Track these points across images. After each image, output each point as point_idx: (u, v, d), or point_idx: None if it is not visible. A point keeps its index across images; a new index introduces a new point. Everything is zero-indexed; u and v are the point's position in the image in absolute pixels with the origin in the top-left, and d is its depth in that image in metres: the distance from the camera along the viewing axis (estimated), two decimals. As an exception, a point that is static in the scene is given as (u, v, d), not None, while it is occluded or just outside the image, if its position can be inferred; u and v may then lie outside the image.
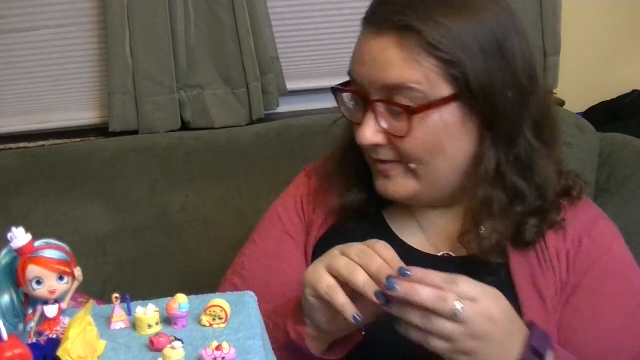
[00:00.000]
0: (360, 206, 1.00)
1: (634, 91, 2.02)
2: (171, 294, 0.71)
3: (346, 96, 0.95)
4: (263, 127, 1.65)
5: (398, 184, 0.93)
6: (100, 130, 1.88)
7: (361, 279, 0.79)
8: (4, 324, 0.57)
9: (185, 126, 1.83)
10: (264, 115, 1.85)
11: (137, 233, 1.50)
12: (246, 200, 1.50)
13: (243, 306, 0.74)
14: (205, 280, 1.41)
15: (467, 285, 0.77)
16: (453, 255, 0.96)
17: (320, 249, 1.01)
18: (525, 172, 0.91)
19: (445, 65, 0.85)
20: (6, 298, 0.65)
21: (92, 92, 1.89)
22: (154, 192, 1.52)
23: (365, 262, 0.79)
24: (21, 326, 0.65)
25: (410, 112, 0.86)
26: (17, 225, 0.63)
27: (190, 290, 0.80)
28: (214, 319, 0.70)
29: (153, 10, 1.72)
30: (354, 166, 1.00)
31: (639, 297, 0.93)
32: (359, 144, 0.91)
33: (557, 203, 0.94)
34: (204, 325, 0.70)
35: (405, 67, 0.86)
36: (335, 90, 0.96)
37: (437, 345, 0.77)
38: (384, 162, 0.92)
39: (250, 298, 0.77)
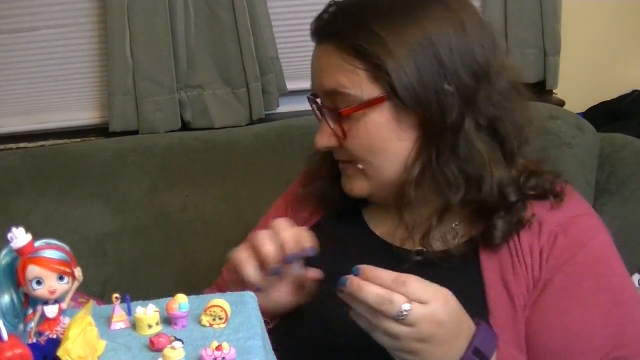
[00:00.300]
0: (337, 203, 1.05)
1: (634, 91, 2.02)
2: (171, 294, 0.71)
3: (313, 105, 1.01)
4: (263, 127, 1.65)
5: (353, 183, 0.98)
6: (100, 130, 1.88)
7: (266, 249, 0.88)
8: (4, 324, 0.57)
9: (185, 126, 1.83)
10: (264, 115, 1.85)
11: (137, 233, 1.50)
12: (246, 200, 1.50)
13: (243, 306, 0.74)
14: (205, 280, 1.40)
15: (416, 286, 0.77)
16: (425, 250, 0.95)
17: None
18: (466, 168, 0.91)
19: (372, 68, 0.89)
20: (6, 298, 0.65)
21: (92, 92, 1.89)
22: (154, 192, 1.52)
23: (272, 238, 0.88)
24: (21, 326, 0.65)
25: (339, 114, 0.92)
26: (17, 225, 0.63)
27: (190, 290, 0.80)
28: (214, 319, 0.70)
29: (153, 10, 1.72)
30: (330, 167, 1.04)
31: (613, 295, 0.91)
32: (317, 147, 0.97)
33: (522, 202, 0.93)
34: (204, 325, 0.70)
35: (336, 72, 0.91)
36: (309, 99, 1.01)
37: (382, 340, 0.78)
38: (343, 162, 0.98)
39: (250, 298, 0.77)
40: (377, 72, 0.89)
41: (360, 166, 0.95)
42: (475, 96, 0.90)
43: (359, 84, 0.90)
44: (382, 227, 1.03)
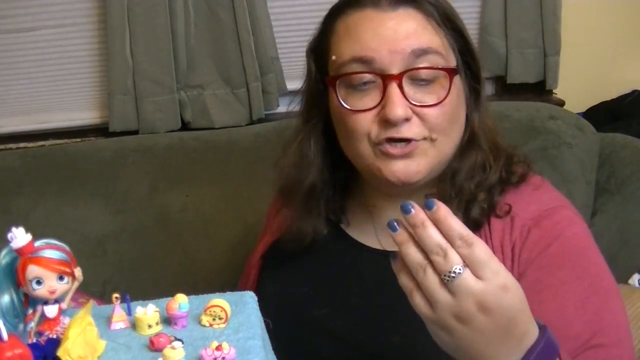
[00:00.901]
0: (317, 230, 0.99)
1: (634, 91, 2.02)
2: (171, 294, 0.71)
3: (355, 81, 0.91)
4: (263, 127, 1.65)
5: (419, 162, 0.90)
6: (100, 130, 1.88)
7: None
8: (4, 324, 0.57)
9: (185, 126, 1.83)
10: (264, 115, 1.85)
11: (137, 233, 1.50)
12: (246, 200, 1.50)
13: (243, 306, 0.74)
14: (205, 280, 1.41)
15: (481, 256, 0.65)
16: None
17: (271, 253, 1.05)
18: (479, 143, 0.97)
19: (456, 36, 0.93)
20: (6, 298, 0.65)
21: (92, 92, 1.89)
22: (154, 192, 1.52)
23: None
24: (21, 326, 0.65)
25: (453, 72, 0.90)
26: (17, 225, 0.63)
27: (190, 290, 0.80)
28: (214, 319, 0.70)
29: (153, 10, 1.72)
30: (312, 185, 0.99)
31: (589, 283, 0.88)
32: (391, 120, 0.87)
33: (499, 186, 0.94)
34: (204, 325, 0.70)
35: (430, 32, 0.90)
36: (337, 79, 0.92)
37: (418, 303, 0.67)
38: (402, 141, 0.89)
39: (250, 298, 0.77)
40: (460, 40, 0.93)
41: (434, 136, 0.90)
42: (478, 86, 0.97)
43: (447, 49, 0.92)
44: (361, 232, 1.00)
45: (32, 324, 0.65)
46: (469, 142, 0.95)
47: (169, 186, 1.53)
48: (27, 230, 0.63)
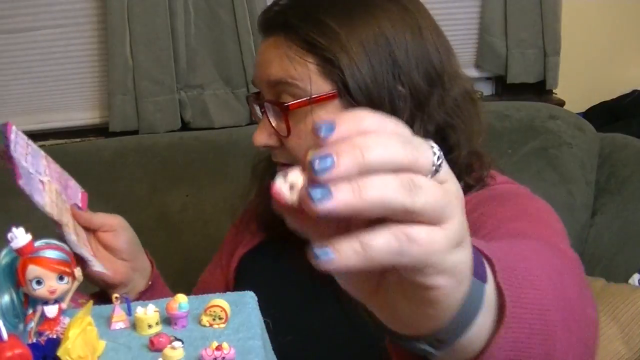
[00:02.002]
0: (276, 224, 0.96)
1: (634, 91, 2.02)
2: (171, 294, 0.71)
3: (253, 103, 0.95)
4: (263, 127, 1.65)
5: None
6: (100, 130, 1.88)
7: None
8: (4, 324, 0.57)
9: (185, 126, 1.83)
10: (264, 115, 1.85)
11: (137, 233, 1.49)
12: (246, 200, 1.50)
13: (243, 306, 0.74)
14: (205, 280, 1.39)
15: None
16: None
17: (245, 264, 1.03)
18: None
19: (324, 63, 0.84)
20: (6, 298, 0.64)
21: (92, 92, 1.89)
22: (154, 192, 1.52)
23: None
24: (21, 326, 0.65)
25: (285, 108, 0.85)
26: (17, 225, 0.63)
27: (190, 290, 0.80)
28: (214, 319, 0.70)
29: (153, 10, 1.72)
30: (265, 182, 0.99)
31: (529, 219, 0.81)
32: (255, 145, 0.90)
33: None
34: (204, 325, 0.70)
35: (285, 63, 0.85)
36: (247, 99, 0.96)
37: (425, 235, 0.41)
38: (282, 165, 0.90)
39: (250, 298, 0.77)
40: (329, 66, 0.83)
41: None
42: (428, 101, 0.86)
43: (308, 78, 0.84)
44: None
45: (32, 324, 0.65)
46: None
47: (169, 186, 1.53)
48: (27, 230, 0.63)
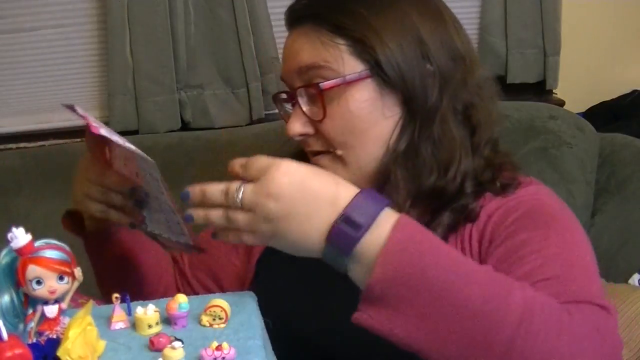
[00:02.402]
0: None
1: (634, 91, 2.02)
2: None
3: (282, 100, 0.97)
4: (263, 127, 1.65)
5: None
6: (100, 130, 1.88)
7: None
8: (4, 324, 0.57)
9: (185, 126, 1.83)
10: (264, 115, 1.85)
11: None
12: (246, 200, 1.50)
13: (243, 306, 0.74)
14: (205, 280, 1.39)
15: (254, 165, 0.74)
16: None
17: (266, 257, 1.03)
18: (439, 152, 0.88)
19: (355, 43, 0.86)
20: (6, 298, 0.65)
21: (92, 92, 1.89)
22: (154, 192, 1.52)
23: None
24: (21, 326, 0.65)
25: (319, 90, 0.86)
26: (17, 225, 0.63)
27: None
28: (214, 319, 0.70)
29: (153, 10, 1.72)
30: None
31: (554, 241, 0.83)
32: (290, 137, 0.91)
33: (474, 196, 0.89)
34: (204, 325, 0.70)
35: (316, 46, 0.87)
36: (274, 99, 0.98)
37: (247, 239, 0.76)
38: (317, 153, 0.92)
39: (250, 298, 0.77)
40: (360, 46, 0.86)
41: (339, 152, 0.89)
42: (453, 78, 0.89)
43: (341, 59, 0.86)
44: None
45: (32, 324, 0.65)
46: (407, 150, 0.88)
47: (169, 186, 1.53)
48: (27, 230, 0.63)
